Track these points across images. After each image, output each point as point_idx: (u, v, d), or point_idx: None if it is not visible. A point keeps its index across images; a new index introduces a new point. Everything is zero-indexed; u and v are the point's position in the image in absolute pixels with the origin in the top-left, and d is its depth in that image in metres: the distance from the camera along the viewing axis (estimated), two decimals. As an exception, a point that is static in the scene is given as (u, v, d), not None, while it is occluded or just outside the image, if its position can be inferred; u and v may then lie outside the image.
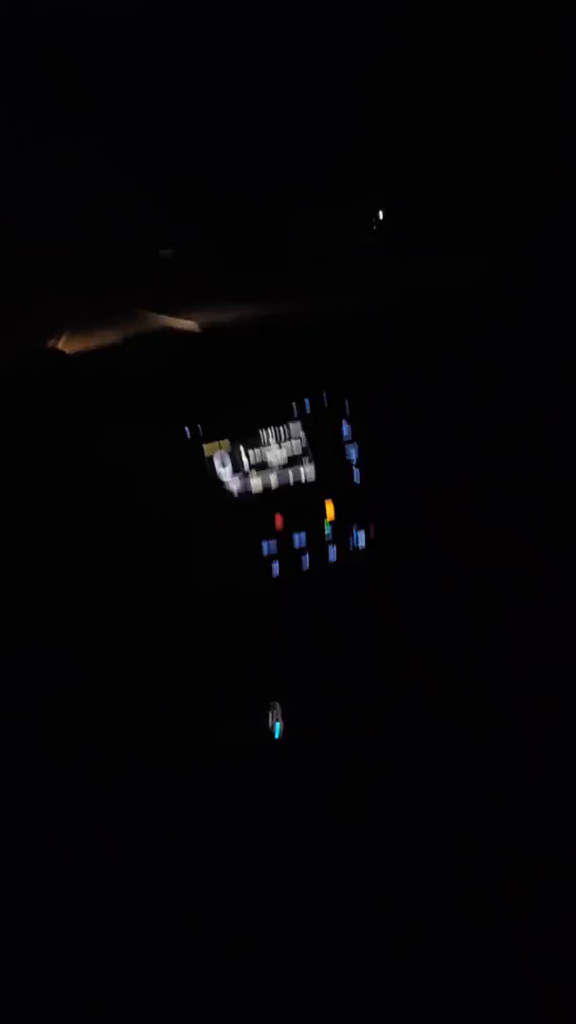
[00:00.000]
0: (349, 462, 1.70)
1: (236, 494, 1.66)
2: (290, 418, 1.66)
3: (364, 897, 1.51)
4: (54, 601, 1.59)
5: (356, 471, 1.70)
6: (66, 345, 1.53)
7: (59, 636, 1.59)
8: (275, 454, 1.67)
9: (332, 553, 1.71)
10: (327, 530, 1.70)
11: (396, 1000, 1.35)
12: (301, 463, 1.68)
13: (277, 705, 1.68)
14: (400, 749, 1.66)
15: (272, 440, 1.67)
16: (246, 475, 1.67)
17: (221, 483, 1.66)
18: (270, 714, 1.67)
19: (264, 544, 1.69)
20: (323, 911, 1.49)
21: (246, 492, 1.67)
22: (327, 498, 1.70)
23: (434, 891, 1.52)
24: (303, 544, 1.70)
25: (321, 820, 1.61)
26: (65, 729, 1.57)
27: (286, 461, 1.68)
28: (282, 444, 1.67)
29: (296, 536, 1.70)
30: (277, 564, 1.70)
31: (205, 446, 1.65)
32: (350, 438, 1.70)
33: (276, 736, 1.67)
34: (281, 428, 1.66)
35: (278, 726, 1.67)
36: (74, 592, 1.61)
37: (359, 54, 1.12)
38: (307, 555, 1.71)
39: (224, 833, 1.59)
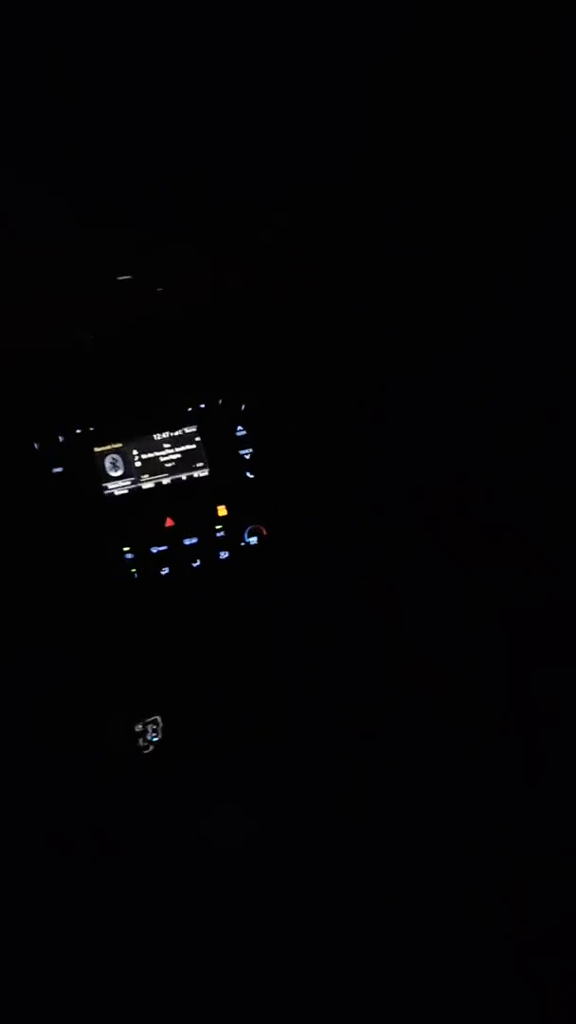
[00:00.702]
0: (242, 462, 1.65)
1: (127, 495, 1.63)
2: (185, 420, 1.66)
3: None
4: None
5: (249, 473, 1.65)
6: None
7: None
8: (168, 455, 1.65)
9: (223, 553, 1.61)
10: (219, 530, 1.62)
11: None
12: (194, 464, 1.65)
13: (158, 719, 1.51)
14: (298, 754, 1.44)
15: (166, 442, 1.65)
16: (138, 476, 1.64)
17: (111, 484, 1.63)
18: (147, 727, 1.50)
19: (155, 546, 1.62)
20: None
21: (137, 493, 1.63)
22: (220, 499, 1.64)
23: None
24: (194, 543, 1.61)
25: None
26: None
27: (179, 462, 1.65)
28: (176, 446, 1.66)
29: (187, 538, 1.62)
30: (167, 565, 1.61)
31: (96, 448, 1.65)
32: (244, 439, 1.67)
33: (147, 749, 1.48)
34: (176, 431, 1.66)
35: (154, 739, 1.49)
36: None
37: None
38: (198, 555, 1.61)
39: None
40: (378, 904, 1.34)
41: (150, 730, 1.50)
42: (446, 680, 1.44)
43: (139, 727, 1.50)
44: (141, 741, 1.49)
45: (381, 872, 1.37)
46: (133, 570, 1.60)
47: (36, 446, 1.64)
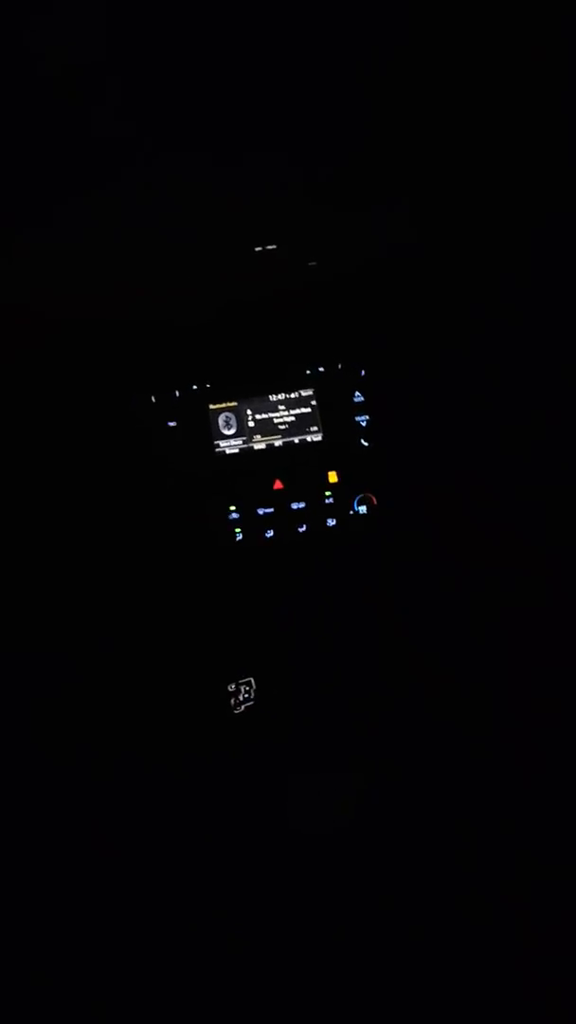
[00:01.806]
0: (358, 429, 1.61)
1: (237, 454, 1.61)
2: (301, 383, 1.63)
3: (362, 894, 1.31)
4: (56, 552, 1.57)
5: (364, 440, 1.60)
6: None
7: (58, 582, 1.55)
8: (282, 417, 1.63)
9: (331, 520, 1.57)
10: (327, 496, 1.58)
11: (396, 1000, 1.21)
12: (308, 428, 1.62)
13: (251, 680, 1.48)
14: (394, 728, 1.40)
15: (281, 404, 1.63)
16: (250, 436, 1.62)
17: (222, 443, 1.62)
18: (240, 687, 1.48)
19: (262, 507, 1.59)
20: (323, 910, 1.30)
21: (248, 453, 1.61)
22: (332, 465, 1.60)
23: (431, 885, 1.30)
24: (301, 508, 1.58)
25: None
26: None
27: (293, 425, 1.62)
28: (290, 408, 1.63)
29: (295, 502, 1.59)
30: (273, 528, 1.58)
31: (211, 406, 1.64)
32: (361, 406, 1.62)
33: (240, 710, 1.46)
34: (292, 393, 1.63)
35: (246, 700, 1.47)
36: (75, 546, 1.58)
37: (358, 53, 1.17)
38: (304, 520, 1.57)
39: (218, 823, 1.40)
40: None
41: (243, 691, 1.48)
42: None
43: (232, 687, 1.48)
44: (233, 701, 1.47)
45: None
46: (238, 530, 1.58)
47: (153, 399, 1.64)
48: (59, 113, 0.97)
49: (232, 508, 1.59)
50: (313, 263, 1.46)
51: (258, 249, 1.43)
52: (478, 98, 1.36)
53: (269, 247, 1.44)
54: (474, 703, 1.37)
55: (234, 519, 1.58)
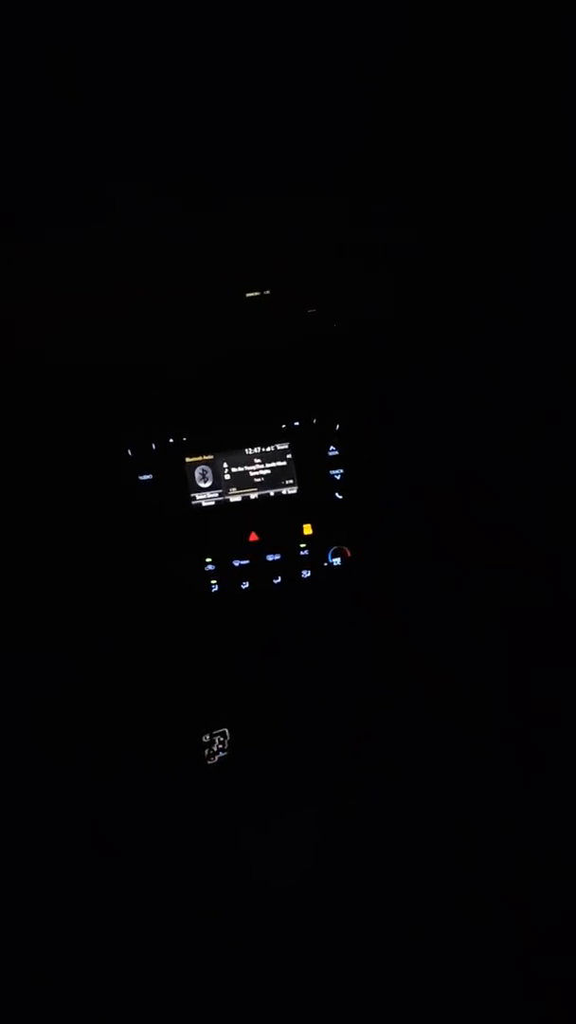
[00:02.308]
0: (332, 483, 1.65)
1: (213, 506, 1.64)
2: (277, 437, 1.67)
3: (362, 894, 1.34)
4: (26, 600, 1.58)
5: (338, 494, 1.64)
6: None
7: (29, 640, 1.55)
8: (258, 470, 1.66)
9: (306, 572, 1.60)
10: (302, 549, 1.61)
11: (396, 1000, 1.21)
12: (284, 481, 1.65)
13: (225, 731, 1.49)
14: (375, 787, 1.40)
15: (257, 457, 1.66)
16: (226, 489, 1.65)
17: (198, 495, 1.65)
18: (215, 738, 1.48)
19: (237, 559, 1.62)
20: (322, 910, 1.32)
21: (224, 505, 1.64)
22: (306, 517, 1.63)
23: (431, 885, 1.32)
24: (277, 560, 1.61)
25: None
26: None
27: (268, 478, 1.65)
28: (266, 461, 1.66)
29: (271, 554, 1.61)
30: (248, 580, 1.60)
31: (188, 459, 1.67)
32: (336, 459, 1.66)
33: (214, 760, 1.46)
34: (267, 447, 1.67)
35: (220, 751, 1.47)
36: (51, 595, 1.59)
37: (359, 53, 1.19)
38: (280, 572, 1.60)
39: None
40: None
41: (217, 741, 1.48)
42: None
43: (207, 738, 1.49)
44: (207, 752, 1.47)
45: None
46: (213, 581, 1.60)
47: (129, 452, 1.67)
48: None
49: (208, 560, 1.61)
50: (312, 310, 1.50)
51: (250, 295, 1.47)
52: (477, 101, 1.40)
53: (262, 292, 1.48)
54: (465, 737, 1.38)
55: (210, 570, 1.60)
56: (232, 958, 1.27)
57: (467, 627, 1.44)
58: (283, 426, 1.68)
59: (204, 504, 1.64)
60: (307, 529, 1.63)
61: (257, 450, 1.67)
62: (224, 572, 1.61)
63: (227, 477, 1.66)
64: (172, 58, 0.85)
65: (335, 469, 1.66)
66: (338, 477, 1.65)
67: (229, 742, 1.49)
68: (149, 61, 0.85)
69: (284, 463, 1.67)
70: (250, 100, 0.99)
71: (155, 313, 1.45)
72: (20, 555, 1.56)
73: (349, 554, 1.60)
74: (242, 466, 1.67)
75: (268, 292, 1.45)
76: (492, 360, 1.55)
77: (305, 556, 1.61)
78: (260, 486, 1.66)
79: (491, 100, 1.34)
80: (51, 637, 1.53)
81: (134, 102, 0.91)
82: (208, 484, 1.66)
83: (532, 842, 1.28)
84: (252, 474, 1.67)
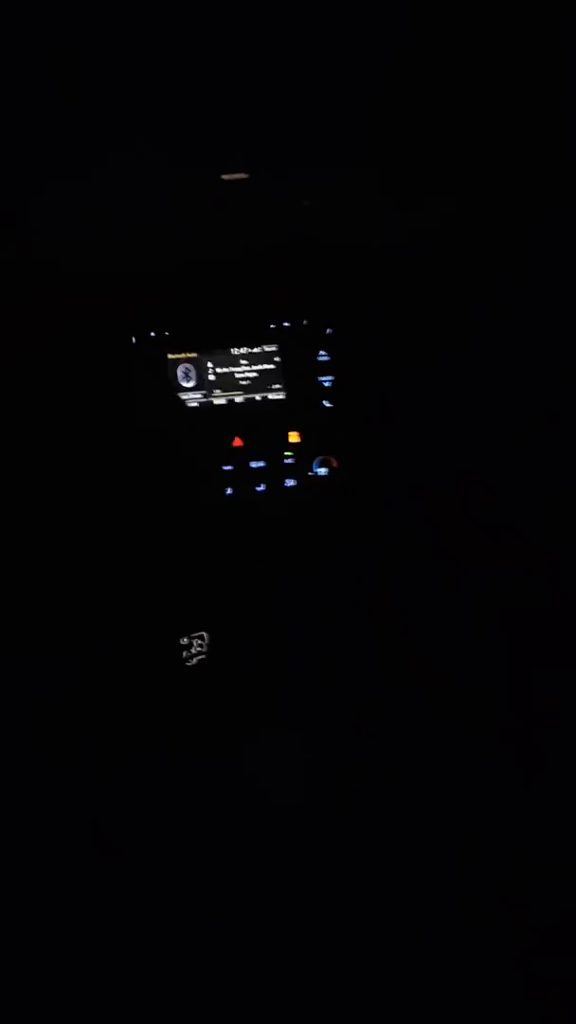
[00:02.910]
0: (321, 390, 1.59)
1: (196, 408, 1.57)
2: (265, 338, 1.59)
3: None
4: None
5: (326, 401, 1.59)
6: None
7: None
8: (244, 373, 1.59)
9: (290, 481, 1.57)
10: (288, 457, 1.57)
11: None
12: (270, 385, 1.59)
13: (204, 635, 1.49)
14: (348, 682, 1.43)
15: (243, 359, 1.59)
16: (210, 391, 1.58)
17: (181, 395, 1.58)
18: (193, 641, 1.49)
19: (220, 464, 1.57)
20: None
21: (207, 407, 1.58)
22: (293, 425, 1.58)
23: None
24: (261, 467, 1.57)
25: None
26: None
27: (255, 381, 1.59)
28: (254, 363, 1.59)
29: (255, 460, 1.57)
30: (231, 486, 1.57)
31: (170, 355, 1.59)
32: (326, 365, 1.60)
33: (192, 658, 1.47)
34: (254, 348, 1.59)
35: (198, 654, 1.48)
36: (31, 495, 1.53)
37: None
38: (263, 479, 1.56)
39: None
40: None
41: (195, 644, 1.49)
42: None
43: (185, 640, 1.49)
44: (185, 654, 1.48)
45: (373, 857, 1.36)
46: (200, 487, 1.56)
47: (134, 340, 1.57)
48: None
49: (191, 464, 1.57)
50: (308, 202, 1.40)
51: (226, 177, 1.35)
52: (478, 98, 1.32)
53: (239, 175, 1.37)
54: (443, 672, 1.42)
55: (192, 475, 1.56)
56: (229, 935, 1.28)
57: (454, 543, 1.44)
58: (272, 327, 1.61)
59: (188, 405, 1.58)
60: (293, 437, 1.59)
61: (244, 351, 1.61)
62: (208, 476, 1.56)
63: (211, 378, 1.60)
64: None
65: (325, 375, 1.61)
66: (327, 384, 1.60)
67: (208, 645, 1.50)
68: None
69: (272, 366, 1.61)
70: None
71: (142, 208, 1.35)
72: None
73: (336, 464, 1.57)
74: (228, 367, 1.60)
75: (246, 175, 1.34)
76: (496, 283, 1.50)
77: (290, 464, 1.57)
78: (246, 389, 1.60)
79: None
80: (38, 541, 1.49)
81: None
82: (191, 384, 1.60)
83: (532, 833, 1.31)
84: (238, 376, 1.60)
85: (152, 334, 1.59)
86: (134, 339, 1.59)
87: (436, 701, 1.41)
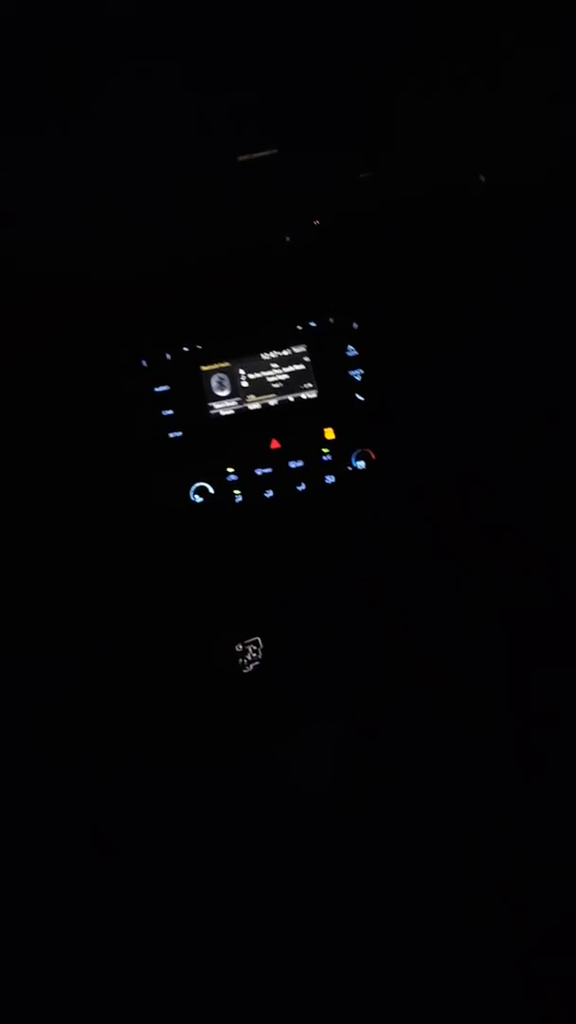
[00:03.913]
0: (353, 384, 1.59)
1: (232, 415, 1.59)
2: (293, 339, 1.60)
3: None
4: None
5: (359, 395, 1.58)
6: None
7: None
8: (276, 375, 1.61)
9: (330, 477, 1.56)
10: (325, 454, 1.56)
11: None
12: (302, 385, 1.59)
13: (258, 640, 1.49)
14: (391, 691, 1.40)
15: (274, 362, 1.61)
16: (244, 397, 1.60)
17: (216, 404, 1.60)
18: (248, 647, 1.49)
19: (259, 467, 1.58)
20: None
21: (243, 413, 1.59)
22: (328, 421, 1.58)
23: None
24: (299, 466, 1.57)
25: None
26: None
27: (287, 383, 1.60)
28: (284, 366, 1.61)
29: (293, 460, 1.58)
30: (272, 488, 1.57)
31: (203, 368, 1.62)
32: (355, 360, 1.60)
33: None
34: (284, 351, 1.60)
35: (254, 660, 1.48)
36: (71, 518, 1.58)
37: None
38: (303, 478, 1.56)
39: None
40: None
41: (251, 651, 1.49)
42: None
43: (239, 647, 1.49)
44: (242, 661, 1.48)
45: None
46: (236, 491, 1.57)
47: (144, 363, 1.62)
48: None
49: (230, 470, 1.58)
50: (365, 174, 1.41)
51: (243, 159, 1.37)
52: (479, 94, 1.33)
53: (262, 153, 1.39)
54: (478, 670, 1.38)
55: (232, 481, 1.57)
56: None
57: (500, 522, 1.41)
58: (299, 328, 1.62)
59: (223, 413, 1.60)
60: (329, 433, 1.59)
61: (274, 354, 1.62)
62: (247, 481, 1.57)
63: (244, 384, 1.62)
64: None
65: (355, 370, 1.60)
66: (358, 378, 1.60)
67: (263, 650, 1.49)
68: None
69: (302, 366, 1.61)
70: None
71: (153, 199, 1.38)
72: (43, 479, 1.54)
73: (374, 456, 1.56)
74: (259, 372, 1.62)
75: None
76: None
77: (328, 461, 1.57)
78: (279, 391, 1.61)
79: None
80: (76, 559, 1.53)
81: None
82: (226, 392, 1.62)
83: (532, 833, 1.28)
84: (270, 379, 1.62)
85: (186, 348, 1.62)
86: (168, 355, 1.62)
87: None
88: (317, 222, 1.54)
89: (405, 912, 1.28)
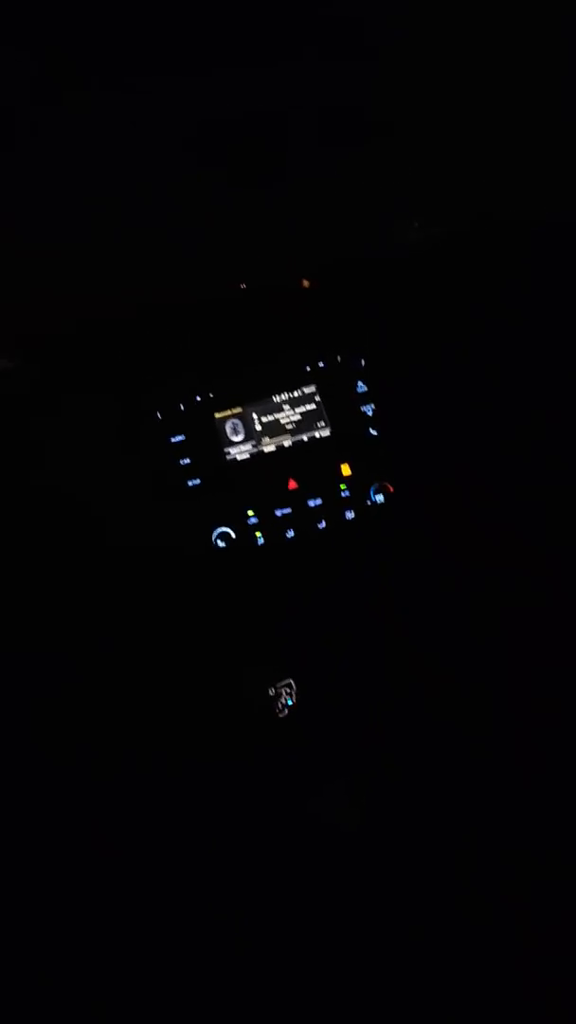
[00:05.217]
0: (365, 419, 1.60)
1: (248, 459, 1.61)
2: (303, 380, 1.63)
3: (362, 894, 1.30)
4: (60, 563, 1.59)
5: (372, 430, 1.60)
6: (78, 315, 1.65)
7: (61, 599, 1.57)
8: (288, 417, 1.63)
9: (349, 513, 1.57)
10: (343, 490, 1.57)
11: (396, 999, 1.20)
12: (315, 424, 1.61)
13: (291, 682, 1.49)
14: (410, 723, 1.39)
15: (285, 403, 1.63)
16: (259, 440, 1.62)
17: (232, 449, 1.62)
18: (281, 690, 1.48)
19: (279, 508, 1.59)
20: (322, 909, 1.30)
21: (259, 456, 1.61)
22: (343, 457, 1.59)
23: (430, 885, 1.28)
24: (318, 504, 1.58)
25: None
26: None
27: (300, 423, 1.62)
28: (295, 406, 1.63)
29: (312, 499, 1.59)
30: (292, 528, 1.58)
31: (217, 415, 1.65)
32: (366, 396, 1.61)
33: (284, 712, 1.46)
34: (295, 392, 1.63)
35: (288, 702, 1.47)
36: (81, 552, 1.60)
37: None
38: (323, 516, 1.57)
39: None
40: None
41: (284, 693, 1.48)
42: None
43: (272, 690, 1.49)
44: (277, 704, 1.47)
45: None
46: (258, 534, 1.58)
47: (159, 415, 1.65)
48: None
49: (250, 513, 1.59)
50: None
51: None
52: (481, 96, 1.36)
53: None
54: (491, 688, 1.36)
55: (253, 523, 1.59)
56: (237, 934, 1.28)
57: (519, 549, 1.40)
58: (308, 368, 1.64)
59: (239, 458, 1.62)
60: (345, 469, 1.60)
61: (285, 396, 1.64)
62: (267, 523, 1.58)
63: (258, 428, 1.64)
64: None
65: (366, 405, 1.61)
66: (370, 413, 1.61)
67: (296, 692, 1.48)
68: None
69: (314, 406, 1.63)
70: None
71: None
72: (61, 526, 1.57)
73: (392, 489, 1.56)
74: (272, 414, 1.64)
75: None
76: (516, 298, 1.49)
77: (347, 497, 1.57)
78: (292, 432, 1.63)
79: (493, 96, 1.27)
80: (101, 605, 1.55)
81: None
82: (240, 437, 1.64)
83: (532, 833, 1.26)
84: (283, 421, 1.63)
85: (199, 398, 1.65)
86: (182, 406, 1.65)
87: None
88: (243, 286, 1.60)
89: (405, 912, 1.26)
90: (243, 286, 1.63)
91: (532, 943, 1.16)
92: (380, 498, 1.57)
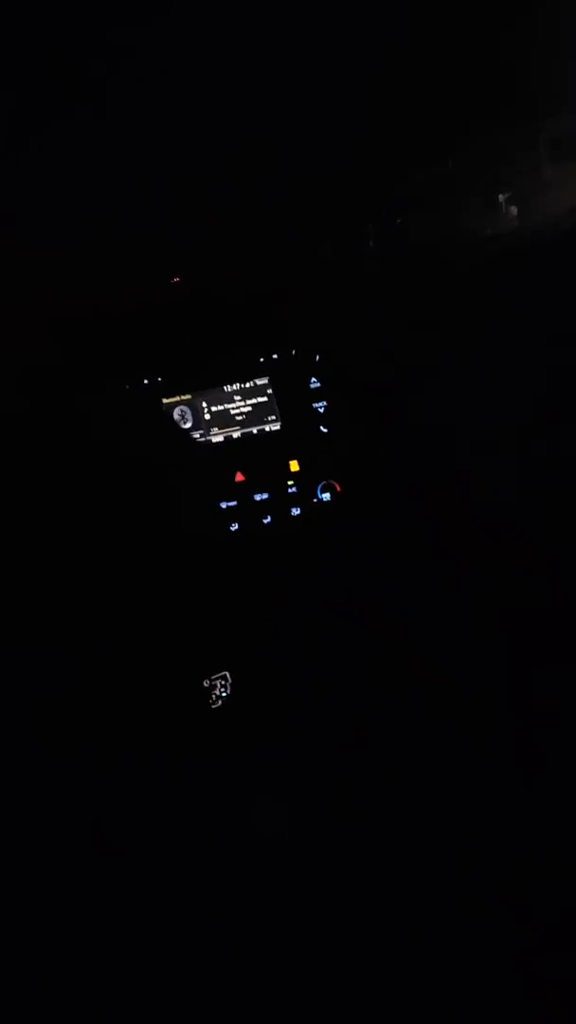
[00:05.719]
0: (316, 416, 1.60)
1: (195, 448, 1.59)
2: (256, 372, 1.61)
3: (362, 894, 1.32)
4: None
5: (323, 427, 1.59)
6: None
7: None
8: (239, 408, 1.61)
9: (295, 510, 1.56)
10: (290, 486, 1.57)
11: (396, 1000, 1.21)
12: (266, 417, 1.60)
13: (227, 675, 1.48)
14: (364, 717, 1.41)
15: (236, 394, 1.60)
16: (207, 429, 1.60)
17: (180, 437, 1.59)
18: (216, 683, 1.47)
19: (224, 500, 1.57)
20: (322, 910, 1.31)
21: (206, 446, 1.59)
22: (292, 453, 1.58)
23: (431, 886, 1.31)
24: (264, 499, 1.57)
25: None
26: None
27: (250, 415, 1.60)
28: (247, 398, 1.61)
29: (258, 493, 1.57)
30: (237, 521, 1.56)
31: (165, 400, 1.61)
32: (318, 392, 1.60)
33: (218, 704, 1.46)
34: (247, 383, 1.60)
35: (223, 694, 1.47)
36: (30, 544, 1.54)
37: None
38: (268, 511, 1.56)
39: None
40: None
41: (219, 685, 1.48)
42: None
43: (207, 682, 1.48)
44: (211, 696, 1.47)
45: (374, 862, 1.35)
46: (206, 525, 1.56)
47: (103, 395, 1.60)
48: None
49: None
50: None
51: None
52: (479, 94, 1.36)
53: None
54: (446, 681, 1.39)
55: (227, 510, 1.57)
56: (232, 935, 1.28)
57: (467, 552, 1.43)
58: (261, 360, 1.62)
59: (184, 445, 1.59)
60: (293, 465, 1.59)
61: (236, 387, 1.62)
62: (212, 515, 1.56)
63: (207, 417, 1.61)
64: None
65: (318, 402, 1.61)
66: (321, 410, 1.60)
67: (231, 685, 1.48)
68: None
69: (265, 399, 1.62)
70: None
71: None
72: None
73: (339, 488, 1.57)
74: (222, 404, 1.62)
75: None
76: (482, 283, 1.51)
77: (293, 493, 1.57)
78: (242, 424, 1.61)
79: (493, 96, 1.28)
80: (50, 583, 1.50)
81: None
82: (188, 425, 1.61)
83: (532, 833, 1.29)
84: (233, 412, 1.61)
85: (146, 381, 1.61)
86: (127, 387, 1.61)
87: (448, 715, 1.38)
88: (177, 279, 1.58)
89: (405, 912, 1.28)
90: (176, 280, 1.60)
91: (532, 943, 1.19)
92: (327, 496, 1.57)
